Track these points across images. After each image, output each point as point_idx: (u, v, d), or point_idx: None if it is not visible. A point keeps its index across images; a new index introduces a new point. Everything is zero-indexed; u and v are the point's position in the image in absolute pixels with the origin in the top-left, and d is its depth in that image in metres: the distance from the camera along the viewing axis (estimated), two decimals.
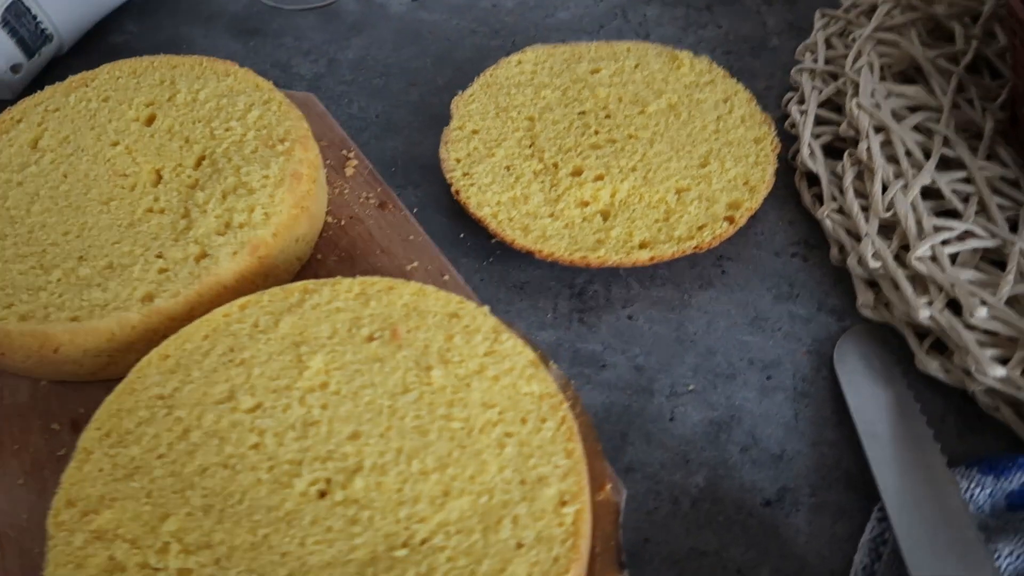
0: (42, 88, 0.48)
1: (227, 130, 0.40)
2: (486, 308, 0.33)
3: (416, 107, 0.49)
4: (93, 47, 0.53)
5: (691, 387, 0.37)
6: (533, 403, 0.30)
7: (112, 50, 0.53)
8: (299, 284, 0.33)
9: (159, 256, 0.35)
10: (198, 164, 0.39)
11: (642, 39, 0.53)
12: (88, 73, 0.43)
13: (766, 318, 0.39)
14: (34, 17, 0.48)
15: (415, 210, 0.44)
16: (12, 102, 0.49)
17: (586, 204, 0.41)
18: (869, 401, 0.36)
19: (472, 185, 0.41)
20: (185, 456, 0.28)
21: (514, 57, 0.47)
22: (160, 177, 0.39)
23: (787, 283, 0.41)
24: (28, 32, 0.48)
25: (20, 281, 0.34)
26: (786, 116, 0.48)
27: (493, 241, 0.41)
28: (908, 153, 0.41)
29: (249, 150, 0.39)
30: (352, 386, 0.31)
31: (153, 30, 0.54)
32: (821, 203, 0.43)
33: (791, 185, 0.45)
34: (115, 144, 0.40)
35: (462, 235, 0.43)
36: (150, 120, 0.41)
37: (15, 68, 0.48)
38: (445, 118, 0.47)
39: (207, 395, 0.30)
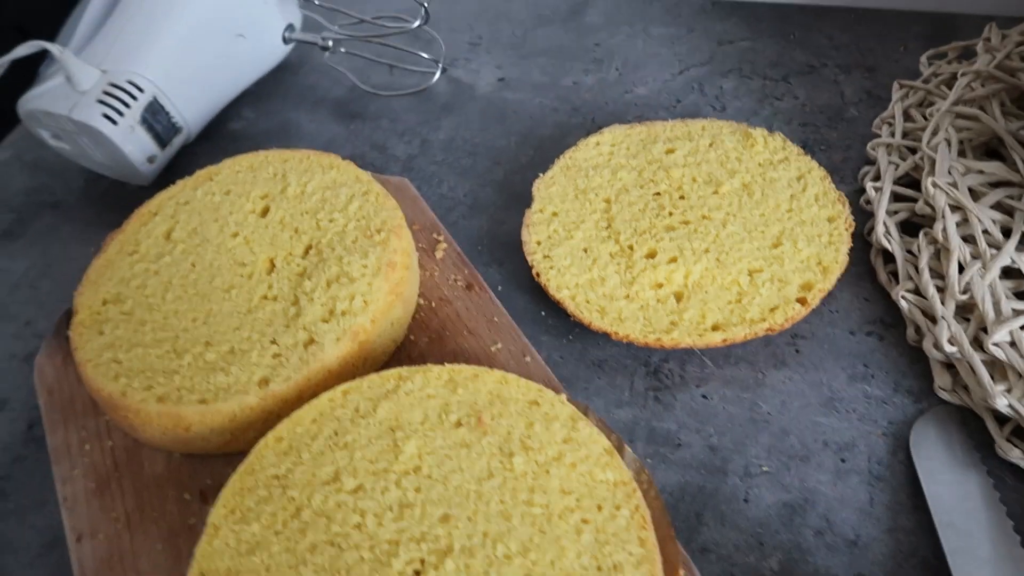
0: (171, 172, 0.54)
1: (331, 221, 0.44)
2: (563, 396, 0.36)
3: (500, 186, 0.53)
4: (215, 133, 0.59)
5: (765, 468, 0.38)
6: (608, 490, 0.33)
7: (231, 136, 0.59)
8: (394, 371, 0.37)
9: (273, 342, 0.39)
10: (306, 253, 0.43)
11: (718, 112, 0.55)
12: (213, 168, 0.48)
13: (841, 398, 0.40)
14: (167, 113, 0.54)
15: (499, 288, 0.47)
16: (146, 189, 0.56)
17: (660, 286, 0.43)
18: (947, 488, 0.36)
19: (552, 268, 0.44)
20: (298, 534, 0.32)
21: (592, 139, 0.50)
22: (273, 266, 0.43)
23: (862, 363, 0.42)
24: (162, 127, 0.54)
25: (157, 364, 0.39)
26: (862, 191, 0.49)
27: (572, 320, 0.44)
28: (986, 232, 0.41)
29: (350, 240, 0.43)
30: (443, 470, 0.34)
31: (266, 116, 0.60)
32: (897, 281, 0.44)
33: (867, 261, 0.45)
34: (235, 235, 0.45)
35: (543, 313, 0.46)
36: (265, 212, 0.46)
37: (151, 159, 0.54)
38: (527, 197, 0.50)
39: (316, 476, 0.34)
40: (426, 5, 0.52)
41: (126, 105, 0.52)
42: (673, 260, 0.43)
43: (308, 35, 0.59)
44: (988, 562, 0.34)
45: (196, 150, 0.58)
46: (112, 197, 0.56)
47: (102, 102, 0.51)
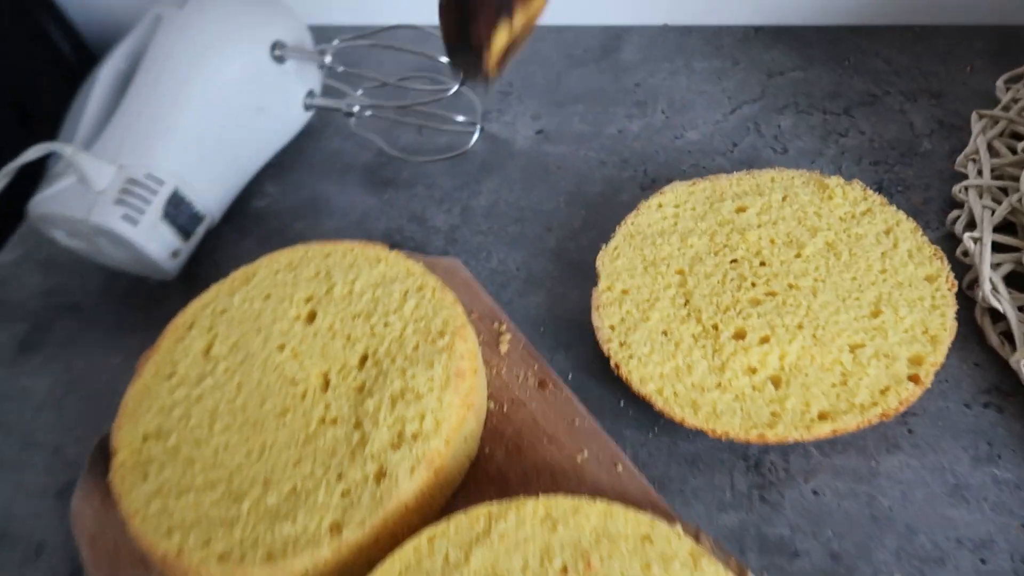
0: (195, 262, 0.51)
1: (386, 325, 0.40)
2: (678, 527, 0.32)
3: (555, 255, 0.49)
4: (238, 213, 0.56)
5: None
6: None
7: (256, 215, 0.55)
8: (483, 509, 0.33)
9: (340, 477, 0.35)
10: (362, 364, 0.39)
11: (780, 154, 0.51)
12: (248, 268, 0.44)
13: (968, 485, 0.37)
14: (189, 203, 0.50)
15: (569, 376, 0.43)
16: (170, 283, 0.52)
17: (754, 371, 0.39)
18: None
19: (631, 357, 0.40)
20: None
21: (654, 200, 0.46)
22: (328, 381, 0.39)
23: (985, 441, 0.38)
24: (185, 218, 0.50)
25: (213, 513, 0.35)
26: (952, 236, 0.45)
27: (655, 411, 0.40)
28: None
29: (411, 347, 0.39)
30: None
31: (292, 190, 0.56)
32: (1010, 343, 0.40)
33: (971, 321, 0.42)
34: (281, 347, 0.41)
35: (622, 403, 0.42)
36: (311, 317, 0.42)
37: (175, 254, 0.50)
38: (585, 266, 0.46)
39: None
40: None
41: (146, 202, 0.48)
42: (765, 340, 0.39)
43: (330, 101, 0.55)
44: None
45: (219, 233, 0.54)
46: (135, 295, 0.52)
47: (121, 202, 0.47)
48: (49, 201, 0.48)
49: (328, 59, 0.53)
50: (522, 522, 0.33)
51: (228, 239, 0.54)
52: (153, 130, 0.49)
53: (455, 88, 0.48)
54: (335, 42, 0.53)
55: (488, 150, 0.56)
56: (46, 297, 0.54)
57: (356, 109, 0.54)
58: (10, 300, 0.54)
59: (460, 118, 0.52)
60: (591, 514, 0.32)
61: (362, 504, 0.34)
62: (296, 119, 0.57)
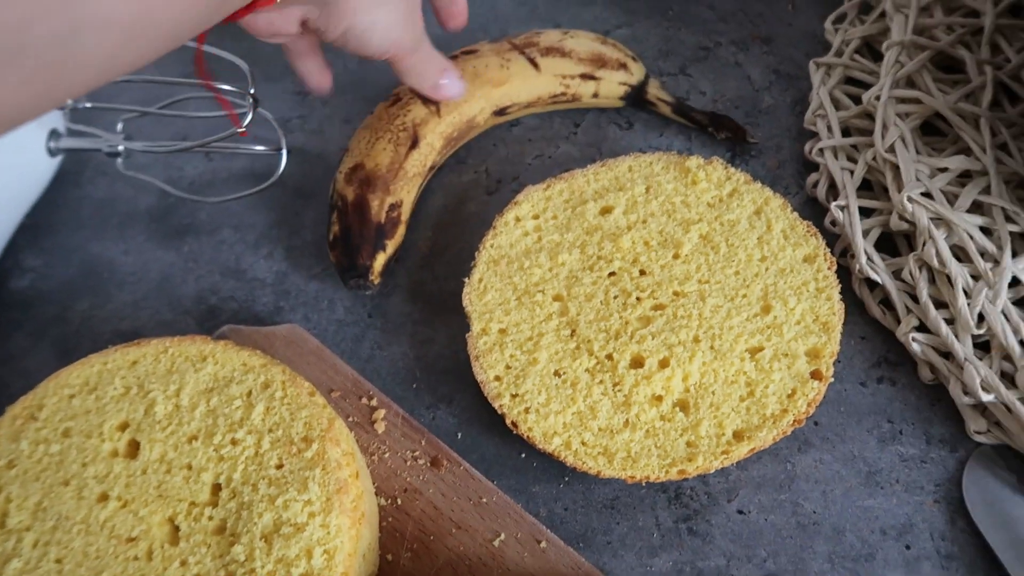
0: None
1: (234, 443, 0.33)
2: None
3: (408, 291, 0.43)
4: None
5: None
6: None
7: (20, 300, 0.44)
8: None
9: None
10: (215, 497, 0.32)
11: (626, 130, 0.47)
12: (28, 398, 0.35)
13: (879, 470, 0.36)
14: None
15: (458, 435, 0.38)
16: None
17: (660, 399, 0.36)
18: (1018, 545, 0.34)
19: (528, 411, 0.36)
20: None
21: (509, 215, 0.41)
22: (176, 529, 0.32)
23: (886, 419, 0.38)
24: None
25: None
26: (814, 202, 0.44)
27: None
28: (974, 240, 0.38)
29: (272, 466, 0.32)
30: None
31: (59, 258, 0.45)
32: (890, 310, 0.40)
33: (849, 290, 0.41)
34: (104, 498, 0.32)
35: (523, 455, 0.38)
36: (133, 451, 0.33)
37: None
38: (447, 298, 0.41)
39: None
40: (253, 92, 0.39)
41: None
42: (665, 364, 0.36)
43: (83, 141, 0.44)
44: None
45: None
46: None
47: None
48: None
49: None
50: None
51: None
52: None
53: (247, 120, 0.39)
54: None
55: (301, 171, 0.47)
56: None
57: (121, 148, 0.44)
58: None
59: (259, 147, 0.43)
60: None
61: None
62: (41, 167, 0.45)
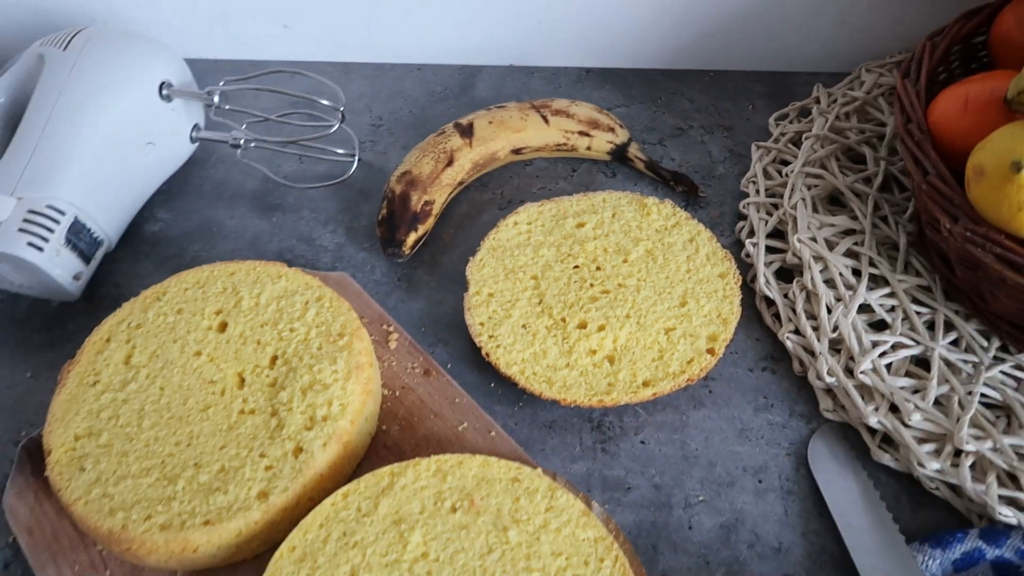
0: (95, 284, 0.55)
1: (291, 330, 0.47)
2: (539, 469, 0.42)
3: (430, 267, 0.58)
4: (132, 238, 0.60)
5: (701, 498, 0.46)
6: (590, 547, 0.39)
7: (151, 239, 0.60)
8: (386, 469, 0.41)
9: (262, 455, 0.42)
10: (273, 364, 0.46)
11: (610, 178, 0.63)
12: (158, 287, 0.50)
13: (750, 428, 0.49)
14: (89, 230, 0.55)
15: (448, 366, 0.52)
16: (71, 304, 0.56)
17: (594, 352, 0.49)
18: (841, 493, 0.45)
19: (498, 347, 0.50)
20: None
21: (510, 219, 0.56)
22: (243, 380, 0.46)
23: (763, 395, 0.50)
24: (85, 244, 0.54)
25: (151, 493, 0.41)
26: (739, 242, 0.58)
27: (519, 388, 0.50)
28: (842, 275, 0.51)
29: (315, 347, 0.47)
30: (448, 552, 0.39)
31: (183, 215, 0.62)
32: (779, 321, 0.53)
33: (753, 306, 0.54)
34: (198, 354, 0.47)
35: (492, 384, 0.51)
36: (223, 327, 0.48)
37: (76, 276, 0.54)
38: (457, 275, 0.56)
39: None
40: (343, 109, 0.56)
41: (49, 230, 0.52)
42: (602, 328, 0.50)
43: (217, 134, 0.61)
44: (877, 549, 0.43)
45: (116, 257, 0.59)
46: (37, 317, 0.56)
47: (24, 231, 0.51)
48: None
49: (216, 99, 0.59)
50: (418, 476, 0.41)
51: (125, 262, 0.59)
52: (51, 165, 0.54)
53: (335, 127, 0.56)
54: (221, 83, 0.59)
55: (365, 177, 0.64)
56: None
57: (242, 141, 0.61)
58: None
59: (340, 150, 0.60)
60: (472, 465, 0.41)
61: (284, 475, 0.42)
62: (183, 150, 0.62)
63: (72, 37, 0.57)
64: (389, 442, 0.47)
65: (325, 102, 0.56)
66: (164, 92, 0.58)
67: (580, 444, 0.49)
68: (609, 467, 0.48)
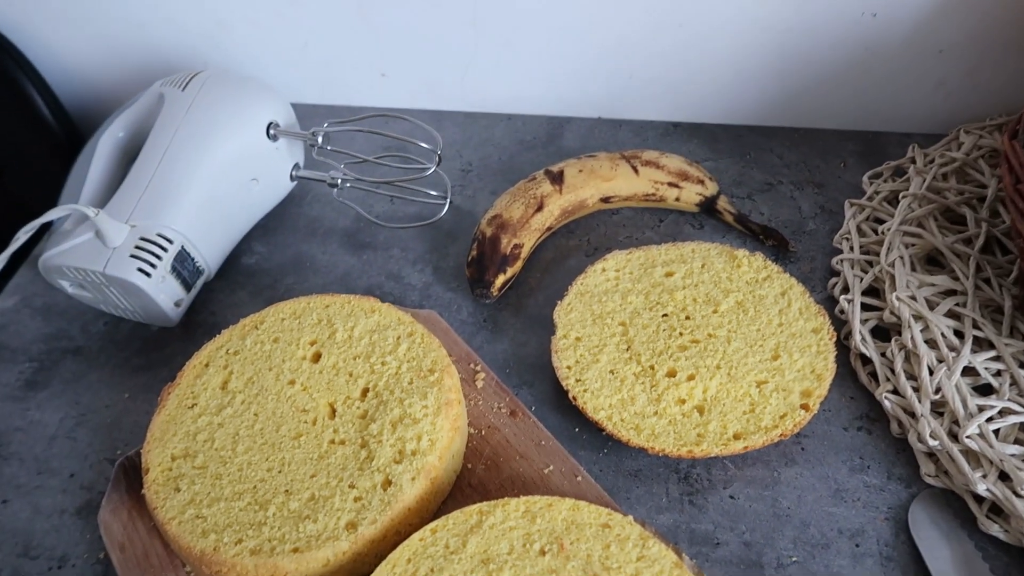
0: (193, 311, 0.57)
1: (383, 364, 0.48)
2: (630, 517, 0.41)
3: (515, 309, 0.58)
4: (230, 269, 0.62)
5: (794, 558, 0.44)
6: None
7: (247, 271, 0.62)
8: (475, 507, 0.41)
9: (351, 486, 0.43)
10: (364, 396, 0.47)
11: (697, 230, 0.63)
12: (256, 316, 0.52)
13: (846, 489, 0.47)
14: (193, 259, 0.57)
15: (532, 408, 0.52)
16: (170, 330, 0.58)
17: (683, 402, 0.49)
18: (945, 562, 0.43)
19: (585, 391, 0.49)
20: None
21: (598, 266, 0.56)
22: (334, 410, 0.47)
23: (858, 456, 0.49)
24: (188, 272, 0.57)
25: (243, 517, 0.42)
26: (832, 298, 0.57)
27: (604, 434, 0.49)
28: (944, 336, 0.49)
29: (406, 382, 0.47)
30: None
31: (278, 249, 0.64)
32: (875, 380, 0.51)
33: (847, 363, 0.53)
34: (292, 383, 0.48)
35: (576, 429, 0.51)
36: (316, 358, 0.49)
37: (178, 303, 0.56)
38: (541, 319, 0.56)
39: None
40: (439, 152, 0.57)
41: (158, 258, 0.54)
42: (691, 378, 0.49)
43: (316, 173, 0.64)
44: None
45: (214, 287, 0.61)
46: (137, 340, 0.58)
47: (135, 256, 0.54)
48: (66, 255, 0.54)
49: (320, 139, 0.61)
50: (507, 516, 0.41)
51: (222, 291, 0.61)
52: (164, 196, 0.56)
53: (432, 169, 0.58)
54: (325, 125, 0.62)
55: (454, 220, 0.65)
56: (49, 341, 0.59)
57: (339, 181, 0.63)
58: (11, 343, 0.59)
59: (433, 192, 0.61)
60: (562, 508, 0.41)
61: (373, 506, 0.42)
62: (283, 188, 0.65)
63: (191, 79, 0.61)
64: (474, 481, 0.47)
65: (424, 145, 0.57)
66: (271, 132, 0.61)
67: (666, 495, 0.47)
68: (697, 520, 0.46)
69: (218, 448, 0.45)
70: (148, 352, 0.57)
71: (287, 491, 0.43)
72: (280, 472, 0.44)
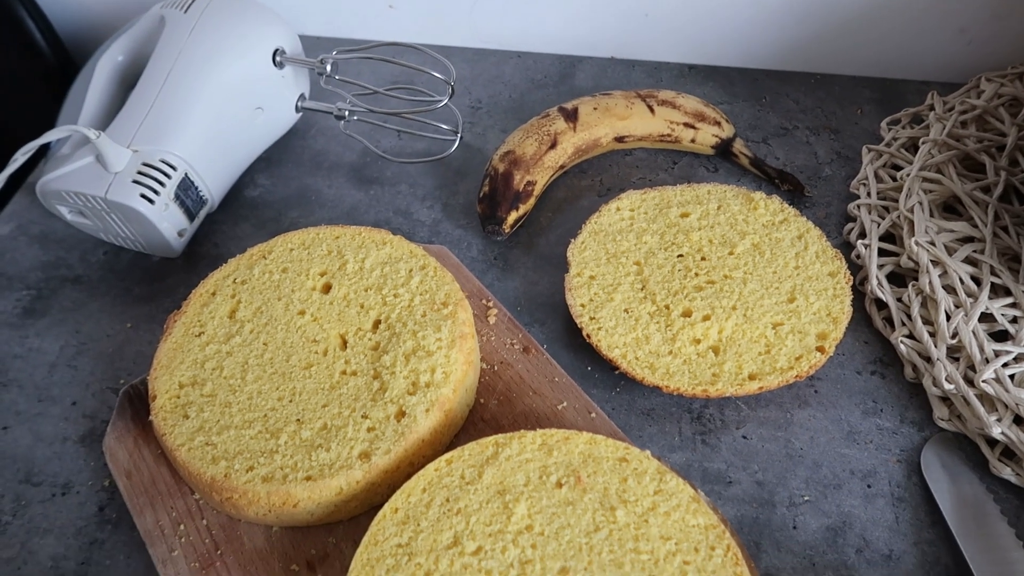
0: (195, 242, 0.56)
1: (395, 296, 0.47)
2: (648, 452, 0.40)
3: (527, 247, 0.57)
4: (233, 201, 0.61)
5: (806, 498, 0.44)
6: (701, 534, 0.37)
7: (250, 203, 0.61)
8: (491, 439, 0.41)
9: (364, 416, 0.42)
10: (376, 328, 0.46)
11: (712, 173, 0.61)
12: (264, 245, 0.50)
13: (858, 432, 0.47)
14: (196, 188, 0.55)
15: (544, 346, 0.51)
16: (172, 260, 0.57)
17: (698, 342, 0.48)
18: (956, 503, 0.43)
19: (600, 329, 0.49)
20: None
21: (612, 205, 0.55)
22: (345, 342, 0.46)
23: (871, 399, 0.48)
24: (192, 201, 0.55)
25: (254, 445, 0.41)
26: (848, 244, 0.56)
27: (617, 373, 0.49)
28: (962, 282, 0.49)
29: (419, 314, 0.46)
30: (553, 527, 0.38)
31: (282, 182, 0.62)
32: (890, 325, 0.51)
33: (862, 308, 0.52)
34: (302, 313, 0.47)
35: (589, 368, 0.50)
36: (327, 289, 0.48)
37: (181, 233, 0.55)
38: (554, 257, 0.55)
39: (437, 542, 0.37)
40: (453, 83, 0.56)
41: (161, 184, 0.53)
42: (707, 318, 0.49)
43: (322, 104, 0.62)
44: (999, 564, 0.41)
45: (216, 218, 0.60)
46: (138, 270, 0.57)
47: (137, 182, 0.52)
48: (65, 179, 0.53)
49: (328, 67, 0.59)
50: (523, 448, 0.40)
51: (225, 223, 0.60)
52: (167, 121, 0.54)
53: (444, 101, 0.56)
54: (334, 53, 0.60)
55: (463, 157, 0.63)
56: (47, 269, 0.57)
57: (347, 113, 0.61)
58: (8, 271, 0.57)
59: (445, 126, 0.59)
60: (579, 441, 0.40)
61: (386, 437, 0.41)
62: (288, 119, 0.63)
63: (193, 1, 0.58)
64: (487, 415, 0.46)
65: (438, 75, 0.55)
66: (277, 59, 0.59)
67: (679, 434, 0.47)
68: (709, 459, 0.46)
69: (227, 376, 0.44)
70: (150, 282, 0.56)
71: (299, 420, 0.42)
72: (291, 402, 0.43)
